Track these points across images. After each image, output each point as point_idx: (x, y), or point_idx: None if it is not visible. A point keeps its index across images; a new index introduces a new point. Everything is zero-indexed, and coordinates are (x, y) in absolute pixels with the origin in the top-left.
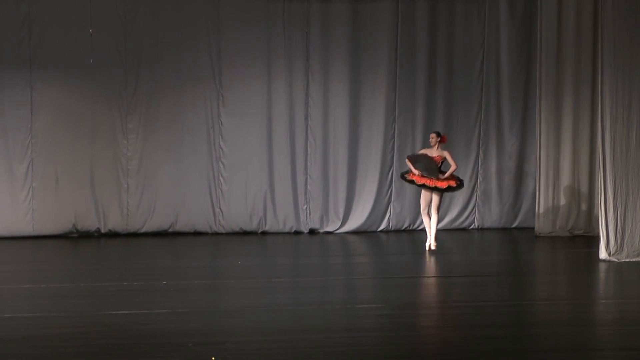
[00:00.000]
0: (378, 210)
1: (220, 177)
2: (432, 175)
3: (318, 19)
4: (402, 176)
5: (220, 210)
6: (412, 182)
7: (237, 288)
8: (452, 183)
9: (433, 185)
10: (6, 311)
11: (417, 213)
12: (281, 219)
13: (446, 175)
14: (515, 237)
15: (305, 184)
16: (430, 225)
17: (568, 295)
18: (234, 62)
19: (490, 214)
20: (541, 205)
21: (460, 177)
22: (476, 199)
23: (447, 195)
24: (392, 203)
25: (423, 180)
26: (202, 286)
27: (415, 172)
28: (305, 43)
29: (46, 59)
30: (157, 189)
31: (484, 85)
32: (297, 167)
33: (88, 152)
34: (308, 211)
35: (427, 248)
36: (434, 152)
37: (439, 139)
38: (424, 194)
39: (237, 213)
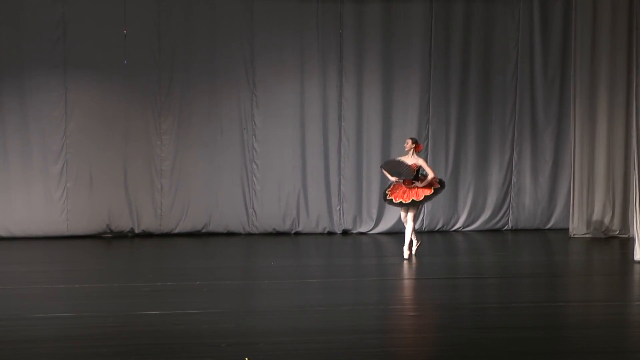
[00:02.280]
0: None
1: (254, 178)
2: (409, 177)
3: (351, 20)
4: (385, 199)
5: (254, 210)
6: (400, 204)
7: (270, 289)
8: (434, 188)
9: (420, 199)
10: (40, 311)
11: (451, 213)
12: (314, 220)
13: (424, 183)
14: (549, 238)
15: (339, 184)
16: (406, 233)
17: (602, 297)
18: (268, 62)
19: (524, 215)
20: (575, 206)
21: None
22: (510, 200)
23: (478, 197)
24: (425, 204)
25: (409, 197)
26: (235, 287)
27: (393, 179)
28: (338, 44)
29: (80, 59)
30: (190, 190)
31: (518, 86)
32: (331, 167)
33: (122, 153)
34: (341, 212)
35: (410, 252)
36: (409, 160)
37: (414, 145)
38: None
39: (270, 214)
